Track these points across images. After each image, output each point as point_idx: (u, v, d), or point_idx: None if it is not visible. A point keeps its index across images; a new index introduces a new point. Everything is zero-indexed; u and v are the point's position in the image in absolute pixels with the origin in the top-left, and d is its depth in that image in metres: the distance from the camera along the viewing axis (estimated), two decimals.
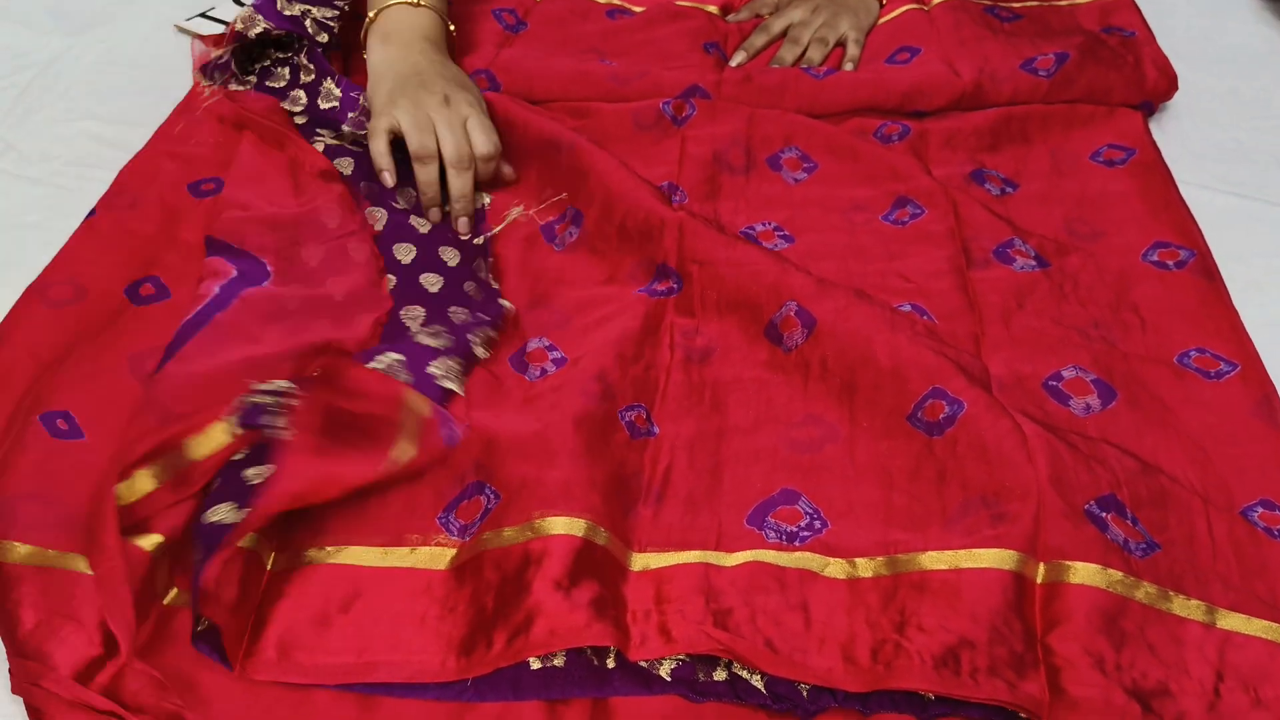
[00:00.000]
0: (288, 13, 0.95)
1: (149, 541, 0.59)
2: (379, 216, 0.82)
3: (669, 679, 0.57)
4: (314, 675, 0.57)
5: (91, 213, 0.84)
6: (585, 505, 0.61)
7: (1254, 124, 0.99)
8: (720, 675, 0.57)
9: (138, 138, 0.93)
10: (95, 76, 1.03)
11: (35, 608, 0.58)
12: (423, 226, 0.82)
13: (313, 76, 0.90)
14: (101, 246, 0.81)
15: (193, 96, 0.96)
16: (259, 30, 0.93)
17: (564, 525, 0.60)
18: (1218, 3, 1.18)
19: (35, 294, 0.76)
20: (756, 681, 0.56)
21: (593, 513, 0.61)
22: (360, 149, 0.88)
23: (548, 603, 0.57)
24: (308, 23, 0.95)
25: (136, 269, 0.79)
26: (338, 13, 1.01)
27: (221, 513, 0.58)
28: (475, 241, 0.83)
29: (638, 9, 1.12)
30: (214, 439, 0.62)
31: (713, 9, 1.11)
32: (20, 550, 0.60)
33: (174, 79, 1.01)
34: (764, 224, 0.85)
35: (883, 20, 1.09)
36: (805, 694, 0.56)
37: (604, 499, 0.63)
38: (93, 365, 0.72)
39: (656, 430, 0.69)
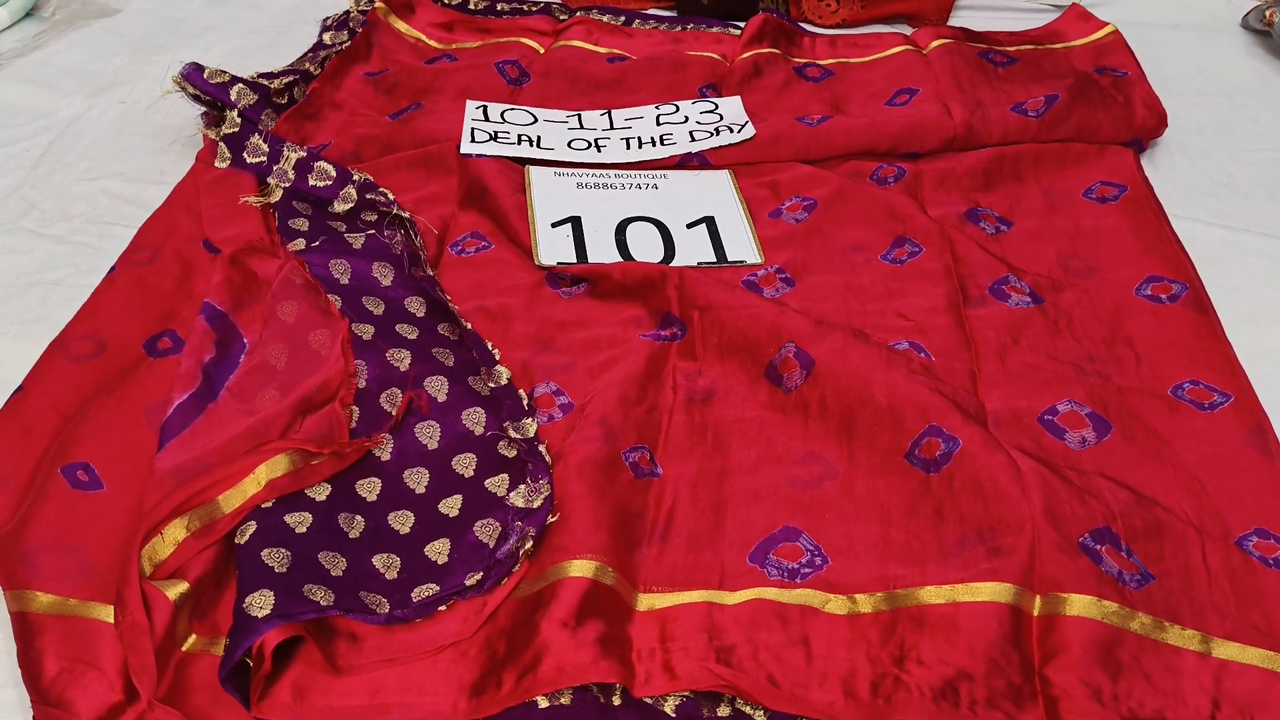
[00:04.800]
0: (214, 81, 1.00)
1: (175, 591, 0.61)
2: (344, 268, 0.84)
3: (674, 715, 0.58)
4: (328, 717, 0.58)
5: (112, 269, 0.87)
6: (592, 546, 0.63)
7: (1245, 157, 1.01)
8: (724, 711, 0.58)
9: (157, 195, 0.96)
10: (115, 136, 1.07)
11: (57, 656, 0.59)
12: (385, 279, 0.85)
13: (303, 154, 0.94)
14: (121, 302, 0.84)
15: (206, 151, 0.99)
16: (192, 93, 1.00)
17: (575, 569, 0.62)
18: (1208, 37, 1.20)
19: (57, 349, 0.79)
20: (760, 717, 0.58)
21: (600, 553, 0.63)
22: (341, 222, 0.91)
23: (555, 641, 0.58)
24: (233, 91, 1.00)
25: (154, 323, 0.82)
26: (294, 77, 1.06)
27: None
28: (427, 272, 0.85)
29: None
30: (245, 491, 0.65)
31: (715, 55, 1.15)
32: (42, 600, 0.62)
33: (192, 137, 1.05)
34: (766, 269, 0.87)
35: (880, 60, 1.12)
36: None
37: (610, 538, 0.64)
38: (111, 417, 0.74)
39: (660, 471, 0.71)
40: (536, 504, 0.66)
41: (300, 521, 0.65)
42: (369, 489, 0.69)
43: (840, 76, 1.11)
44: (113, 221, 0.95)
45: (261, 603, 0.59)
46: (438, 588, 0.63)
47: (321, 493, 0.67)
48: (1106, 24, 1.14)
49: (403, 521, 0.68)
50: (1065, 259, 0.87)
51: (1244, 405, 0.73)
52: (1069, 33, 1.15)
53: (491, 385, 0.76)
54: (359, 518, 0.67)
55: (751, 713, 0.58)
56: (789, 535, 0.66)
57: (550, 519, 0.65)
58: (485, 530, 0.67)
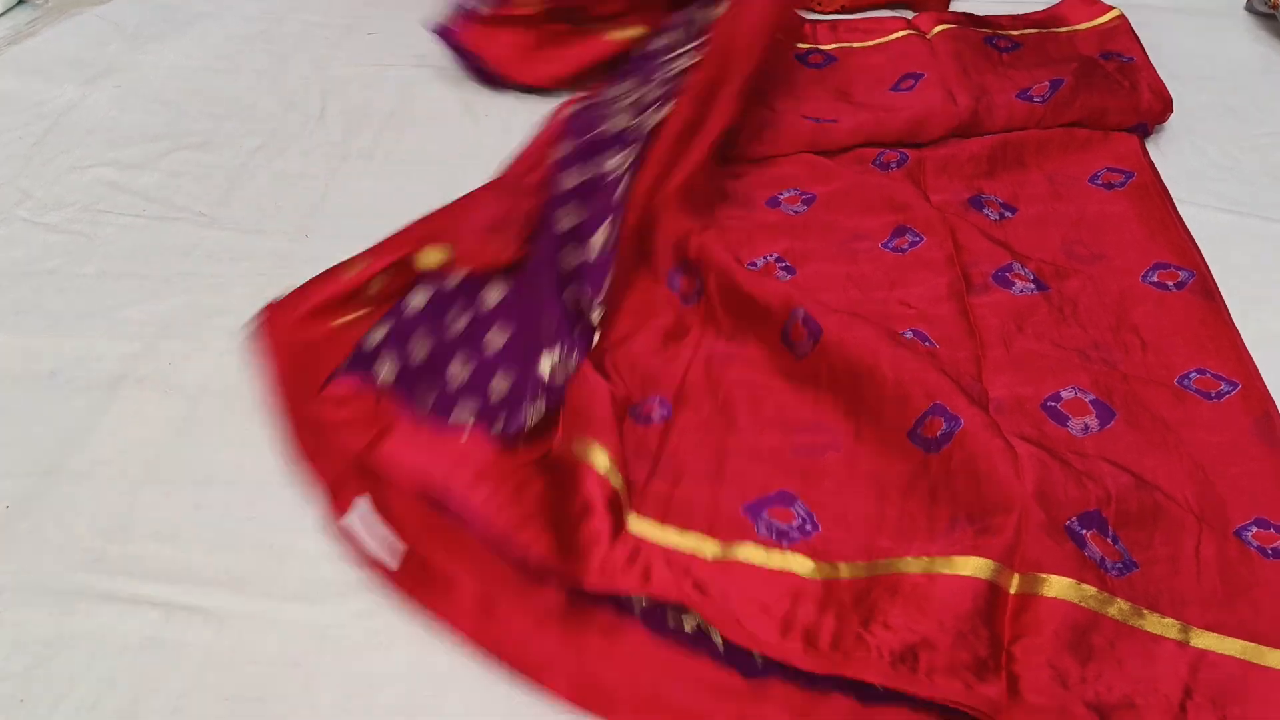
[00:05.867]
0: None
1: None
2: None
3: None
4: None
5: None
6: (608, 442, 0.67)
7: (1250, 141, 0.99)
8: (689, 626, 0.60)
9: (150, 182, 0.96)
10: (109, 124, 1.06)
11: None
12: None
13: None
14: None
15: None
16: None
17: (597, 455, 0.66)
18: (1213, 23, 1.18)
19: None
20: (716, 639, 0.59)
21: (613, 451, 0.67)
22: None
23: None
24: None
25: None
26: None
27: None
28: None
29: None
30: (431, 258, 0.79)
31: None
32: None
33: (187, 124, 1.05)
34: (765, 257, 0.86)
35: (883, 44, 1.11)
36: (759, 663, 0.58)
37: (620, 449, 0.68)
38: None
39: (669, 415, 0.72)
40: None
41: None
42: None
43: (843, 61, 1.09)
44: (107, 209, 0.94)
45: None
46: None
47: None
48: (1111, 8, 1.12)
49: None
50: (1070, 245, 0.86)
51: (1251, 393, 0.72)
52: (1073, 16, 1.14)
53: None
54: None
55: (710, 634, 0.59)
56: (784, 500, 0.66)
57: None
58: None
